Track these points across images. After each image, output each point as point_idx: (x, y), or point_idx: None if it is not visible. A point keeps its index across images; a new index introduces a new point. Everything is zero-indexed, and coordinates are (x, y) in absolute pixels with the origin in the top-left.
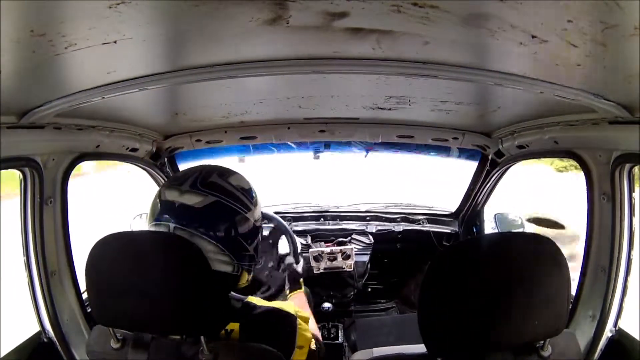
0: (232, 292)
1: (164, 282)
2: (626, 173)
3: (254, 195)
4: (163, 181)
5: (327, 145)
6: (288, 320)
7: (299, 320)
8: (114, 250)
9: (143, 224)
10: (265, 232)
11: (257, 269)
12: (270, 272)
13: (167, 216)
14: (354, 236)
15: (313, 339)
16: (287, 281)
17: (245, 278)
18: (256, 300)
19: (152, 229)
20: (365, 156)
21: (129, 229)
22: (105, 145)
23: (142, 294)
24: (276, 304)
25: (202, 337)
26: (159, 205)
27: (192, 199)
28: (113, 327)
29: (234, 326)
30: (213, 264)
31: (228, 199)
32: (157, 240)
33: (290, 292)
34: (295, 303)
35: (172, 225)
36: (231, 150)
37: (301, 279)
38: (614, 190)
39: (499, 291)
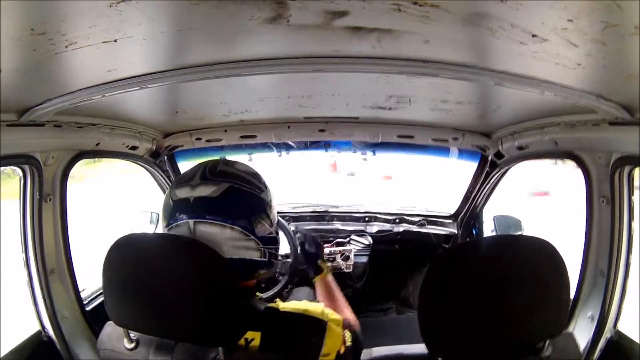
0: (258, 293)
1: (181, 288)
2: (626, 175)
3: (261, 178)
4: (163, 179)
5: (327, 145)
6: (314, 328)
7: (329, 325)
8: (130, 251)
9: (147, 222)
10: None
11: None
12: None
13: (184, 214)
14: (353, 237)
15: (348, 333)
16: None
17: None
18: (282, 304)
19: (171, 231)
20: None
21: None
22: (105, 143)
23: (156, 298)
24: (303, 305)
25: (220, 348)
26: (173, 206)
27: (205, 190)
28: (127, 328)
29: (255, 335)
30: (239, 252)
31: (240, 182)
32: (176, 244)
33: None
34: (319, 292)
35: (191, 221)
36: (232, 149)
37: (319, 261)
38: (613, 192)
39: (499, 293)
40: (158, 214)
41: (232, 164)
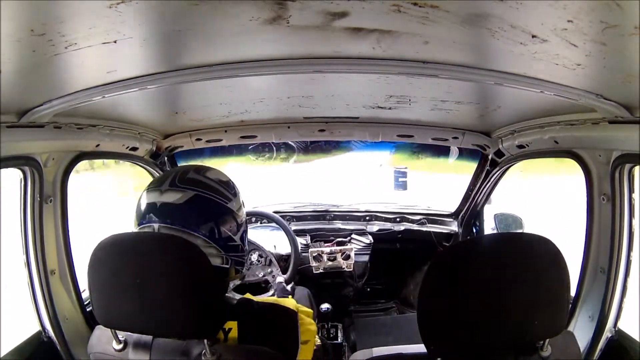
0: (230, 292)
1: (164, 284)
2: (626, 173)
3: (232, 186)
4: None
5: (328, 145)
6: (288, 316)
7: (300, 315)
8: (115, 251)
9: None
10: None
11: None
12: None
13: (150, 217)
14: (353, 236)
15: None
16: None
17: (234, 272)
18: (254, 297)
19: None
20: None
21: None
22: (105, 144)
23: (143, 295)
24: (274, 299)
25: (205, 340)
26: (142, 208)
27: (172, 197)
28: (115, 328)
29: (232, 325)
30: None
31: (207, 191)
32: (158, 241)
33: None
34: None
35: (156, 225)
36: (232, 149)
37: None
38: (613, 190)
39: (499, 291)
40: None
41: (204, 172)
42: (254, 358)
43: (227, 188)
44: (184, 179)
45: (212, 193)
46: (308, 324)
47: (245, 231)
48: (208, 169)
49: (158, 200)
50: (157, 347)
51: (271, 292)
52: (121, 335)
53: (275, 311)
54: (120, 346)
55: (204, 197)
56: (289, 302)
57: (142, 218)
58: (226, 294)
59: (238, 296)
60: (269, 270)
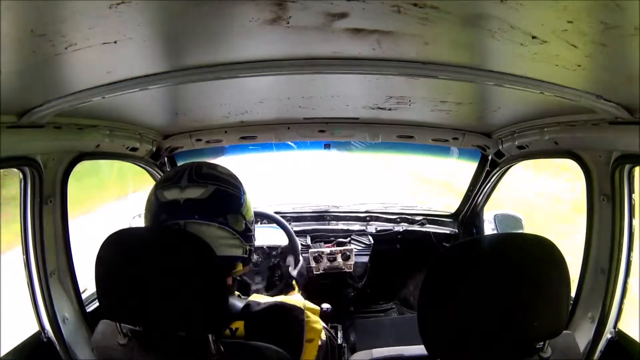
0: (237, 292)
1: (171, 279)
2: (626, 174)
3: (240, 180)
4: None
5: (327, 146)
6: (294, 314)
7: (307, 313)
8: (123, 245)
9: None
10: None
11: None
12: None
13: (175, 216)
14: (353, 237)
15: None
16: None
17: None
18: (260, 297)
19: None
20: None
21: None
22: (106, 145)
23: (149, 290)
24: (281, 298)
25: (210, 336)
26: (161, 208)
27: (195, 192)
28: (120, 322)
29: (239, 324)
30: (226, 249)
31: (225, 185)
32: (166, 236)
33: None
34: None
35: (182, 222)
36: (232, 149)
37: (294, 282)
38: (613, 191)
39: (499, 292)
40: None
41: (215, 167)
42: (257, 354)
43: (238, 182)
44: (201, 174)
45: (230, 187)
46: (314, 322)
47: (254, 222)
48: (216, 164)
49: (181, 197)
50: (162, 341)
51: (279, 287)
52: (126, 329)
53: (282, 310)
54: (125, 340)
55: (225, 191)
56: (295, 301)
57: (164, 218)
58: (234, 294)
59: (244, 299)
60: (275, 260)
